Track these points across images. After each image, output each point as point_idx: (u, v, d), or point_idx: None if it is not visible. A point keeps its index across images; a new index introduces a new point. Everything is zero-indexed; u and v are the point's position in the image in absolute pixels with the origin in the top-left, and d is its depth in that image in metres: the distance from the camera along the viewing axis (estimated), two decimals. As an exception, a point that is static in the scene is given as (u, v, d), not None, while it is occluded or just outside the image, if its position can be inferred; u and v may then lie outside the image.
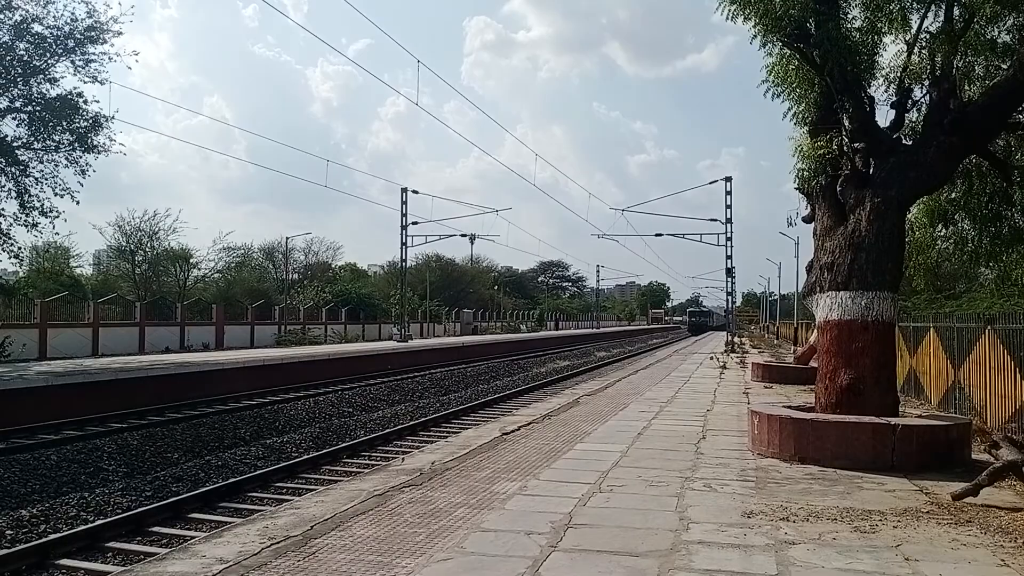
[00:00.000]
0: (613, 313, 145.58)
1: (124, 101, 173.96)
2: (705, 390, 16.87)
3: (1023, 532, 5.39)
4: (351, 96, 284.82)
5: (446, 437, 11.93)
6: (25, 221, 20.17)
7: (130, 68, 45.55)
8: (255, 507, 9.42)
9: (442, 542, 5.12)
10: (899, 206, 8.87)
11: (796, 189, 10.23)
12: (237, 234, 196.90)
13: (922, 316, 14.54)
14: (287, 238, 57.46)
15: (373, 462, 12.08)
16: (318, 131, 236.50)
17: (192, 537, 6.87)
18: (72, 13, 19.92)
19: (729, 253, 41.38)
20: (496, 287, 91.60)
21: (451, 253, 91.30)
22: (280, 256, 62.53)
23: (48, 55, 19.77)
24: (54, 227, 21.04)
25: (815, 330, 11.74)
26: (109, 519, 8.79)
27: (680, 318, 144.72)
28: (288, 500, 8.41)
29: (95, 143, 20.59)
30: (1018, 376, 8.92)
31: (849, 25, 9.29)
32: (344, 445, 13.76)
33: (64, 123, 20.10)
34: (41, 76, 19.78)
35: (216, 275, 56.20)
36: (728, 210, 40.49)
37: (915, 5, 9.30)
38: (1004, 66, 9.37)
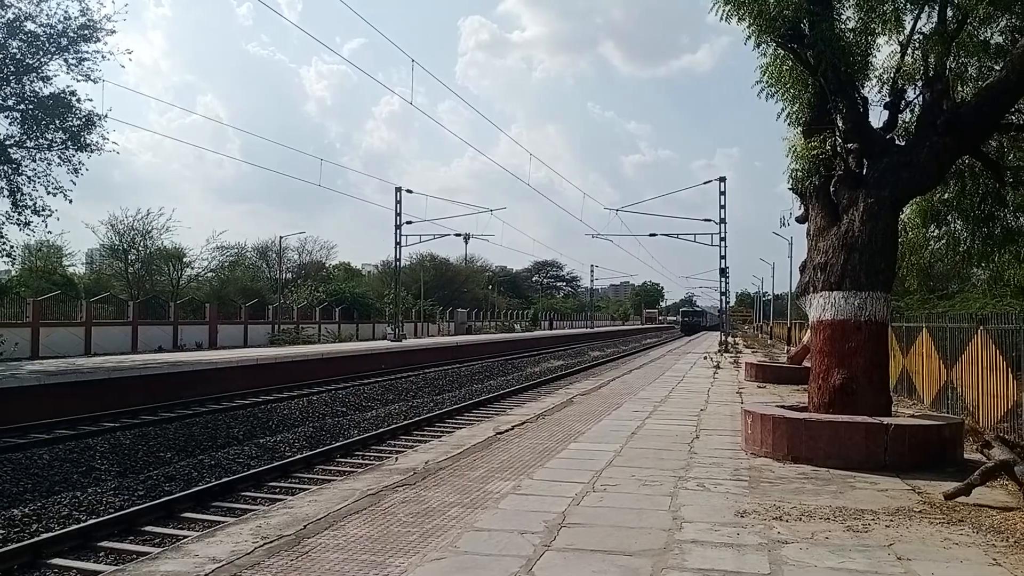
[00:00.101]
0: (607, 313, 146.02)
1: (117, 100, 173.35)
2: (699, 390, 16.89)
3: (1015, 531, 5.41)
4: (345, 95, 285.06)
5: (440, 437, 11.94)
6: (18, 220, 20.18)
7: (123, 67, 45.20)
8: (248, 506, 9.40)
9: (435, 541, 5.12)
10: (892, 206, 8.90)
11: (790, 189, 10.25)
12: (231, 233, 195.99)
13: (915, 316, 14.58)
14: (281, 237, 57.62)
15: (367, 461, 12.07)
16: (312, 130, 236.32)
17: (185, 536, 6.83)
18: (65, 11, 19.98)
19: (723, 253, 41.43)
20: (490, 287, 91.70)
21: (445, 253, 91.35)
22: (274, 255, 62.56)
23: (41, 53, 19.71)
24: (47, 226, 21.11)
25: (808, 330, 11.76)
26: (101, 518, 8.76)
27: (674, 318, 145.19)
28: (281, 499, 8.39)
29: (88, 142, 20.59)
30: (1010, 376, 8.96)
31: (843, 26, 9.32)
32: (337, 444, 13.74)
33: (57, 121, 20.06)
34: (34, 74, 19.73)
35: (209, 274, 56.11)
36: (722, 210, 40.53)
37: (909, 6, 9.32)
38: (997, 67, 9.40)
